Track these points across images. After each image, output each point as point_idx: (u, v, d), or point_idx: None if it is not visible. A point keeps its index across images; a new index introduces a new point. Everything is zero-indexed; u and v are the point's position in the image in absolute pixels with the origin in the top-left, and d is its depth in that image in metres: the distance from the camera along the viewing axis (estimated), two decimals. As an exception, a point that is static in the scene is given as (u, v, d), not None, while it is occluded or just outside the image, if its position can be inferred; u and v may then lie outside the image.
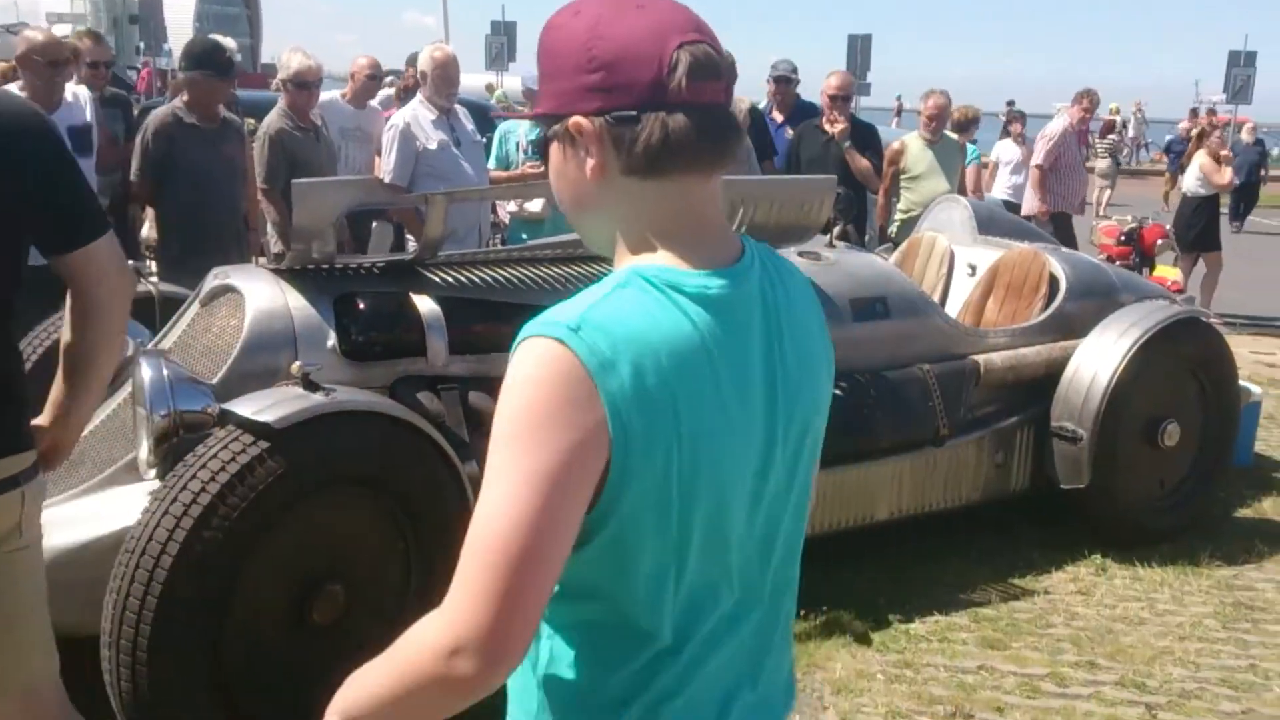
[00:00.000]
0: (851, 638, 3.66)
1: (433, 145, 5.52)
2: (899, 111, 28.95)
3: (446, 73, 5.69)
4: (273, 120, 5.69)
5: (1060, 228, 8.42)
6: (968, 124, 8.94)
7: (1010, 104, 12.64)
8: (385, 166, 5.62)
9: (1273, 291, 11.24)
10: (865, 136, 6.68)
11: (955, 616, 3.87)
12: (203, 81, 5.11)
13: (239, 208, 5.35)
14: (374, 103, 6.86)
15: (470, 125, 5.87)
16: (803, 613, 3.77)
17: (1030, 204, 8.83)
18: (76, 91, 5.26)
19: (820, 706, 3.28)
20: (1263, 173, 18.28)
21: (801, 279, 1.28)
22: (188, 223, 5.06)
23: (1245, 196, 17.50)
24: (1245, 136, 18.33)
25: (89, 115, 5.24)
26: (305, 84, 5.68)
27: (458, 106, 5.85)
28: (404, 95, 7.10)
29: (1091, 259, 5.40)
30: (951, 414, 4.16)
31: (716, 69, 1.14)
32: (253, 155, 5.69)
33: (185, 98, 5.19)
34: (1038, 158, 8.70)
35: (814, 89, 7.06)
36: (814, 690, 3.37)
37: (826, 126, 6.56)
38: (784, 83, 7.11)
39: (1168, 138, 24.20)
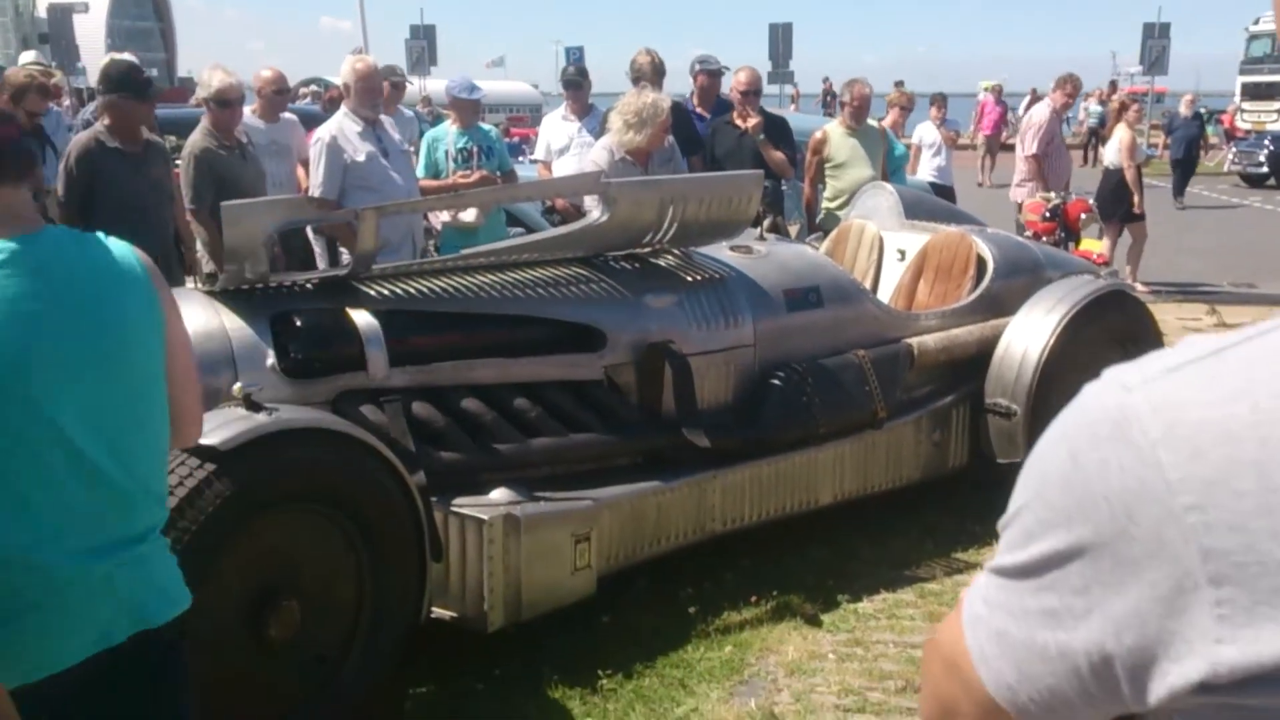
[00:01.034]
0: (802, 620, 3.75)
1: (360, 157, 5.51)
2: (795, 98, 29.42)
3: (369, 83, 5.70)
4: (197, 140, 5.64)
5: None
6: (903, 109, 9.10)
7: (899, 84, 12.77)
8: (313, 181, 5.60)
9: (1196, 259, 11.59)
10: (777, 128, 6.79)
11: (902, 593, 3.98)
12: (122, 104, 5.07)
13: (169, 229, 5.31)
14: (287, 115, 6.83)
15: (397, 135, 5.88)
16: (753, 598, 3.85)
17: (1022, 192, 8.95)
18: None
19: (775, 688, 3.36)
20: (1202, 145, 17.48)
21: (122, 251, 1.82)
22: None
23: (1184, 170, 16.96)
24: (1184, 110, 17.63)
25: None
26: (227, 102, 5.64)
27: (384, 117, 5.87)
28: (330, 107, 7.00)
29: (1016, 238, 5.55)
30: (888, 397, 4.26)
31: (9, 119, 1.80)
32: (179, 175, 5.65)
33: (107, 121, 5.14)
34: (1030, 147, 8.80)
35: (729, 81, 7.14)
36: (768, 673, 3.45)
37: (738, 121, 6.66)
38: (715, 76, 7.19)
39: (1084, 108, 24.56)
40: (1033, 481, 0.78)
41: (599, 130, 6.57)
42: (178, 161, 6.08)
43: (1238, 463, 0.65)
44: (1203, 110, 18.05)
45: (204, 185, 5.50)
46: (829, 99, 26.50)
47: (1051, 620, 0.74)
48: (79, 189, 5.03)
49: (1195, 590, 0.66)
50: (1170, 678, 0.68)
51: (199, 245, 5.70)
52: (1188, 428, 0.67)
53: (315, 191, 5.54)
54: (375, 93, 5.78)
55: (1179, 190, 16.99)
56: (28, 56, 8.71)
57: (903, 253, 5.26)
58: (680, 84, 7.30)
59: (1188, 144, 16.90)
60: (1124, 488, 0.69)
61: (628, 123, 5.41)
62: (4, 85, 6.03)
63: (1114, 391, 0.71)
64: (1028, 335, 4.53)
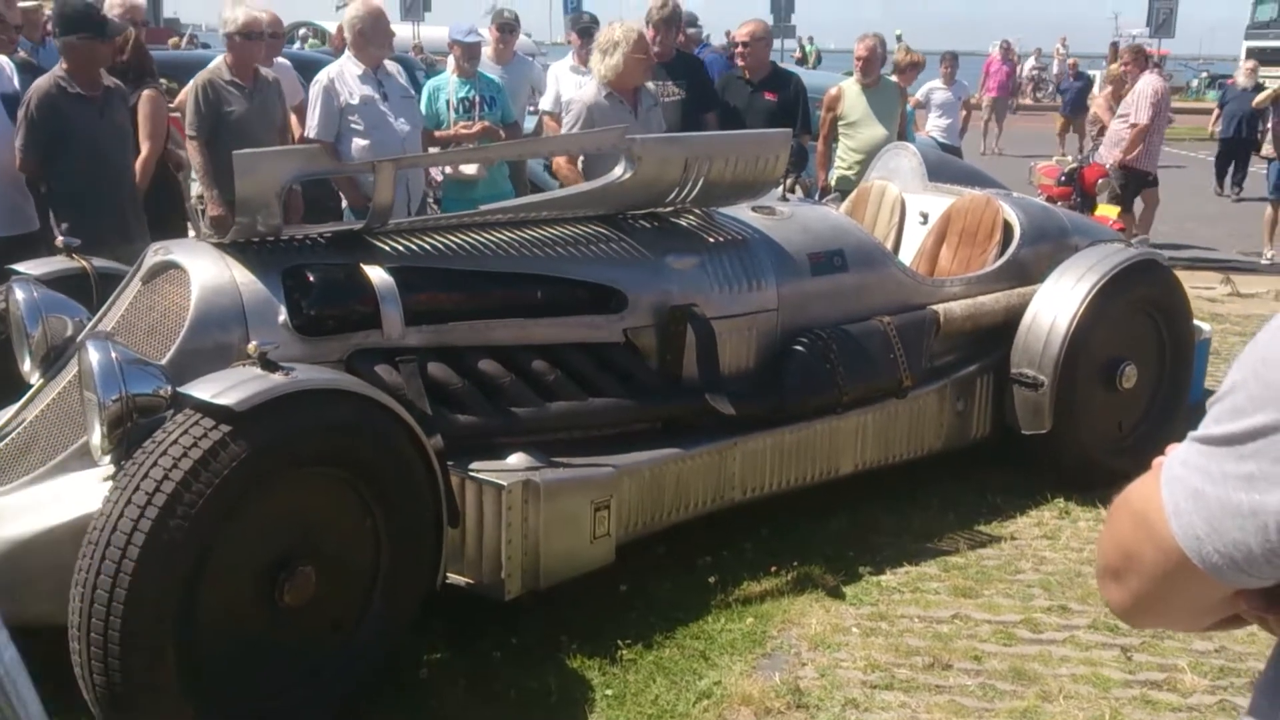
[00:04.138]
0: (824, 592, 3.67)
1: (355, 99, 5.51)
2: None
3: (376, 26, 5.63)
4: (205, 71, 5.64)
5: (1134, 184, 8.58)
6: (905, 69, 8.90)
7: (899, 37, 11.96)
8: (309, 123, 5.62)
9: (1207, 225, 11.44)
10: (785, 84, 6.66)
11: (925, 566, 3.90)
12: (81, 46, 4.81)
13: (130, 176, 5.10)
14: (280, 60, 6.70)
15: (402, 79, 5.82)
16: (773, 568, 3.77)
17: (1111, 156, 8.81)
18: (1, 61, 5.01)
19: (798, 662, 3.29)
20: (1262, 128, 11.54)
21: None
22: (83, 198, 4.83)
23: (1238, 154, 13.66)
24: (1242, 79, 13.70)
25: (16, 84, 5.01)
26: (249, 35, 5.56)
27: (388, 62, 5.78)
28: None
29: (1043, 203, 5.44)
30: (913, 365, 4.16)
31: None
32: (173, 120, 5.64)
33: (65, 65, 4.91)
34: (1143, 115, 8.66)
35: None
36: (790, 646, 3.37)
37: (746, 74, 6.58)
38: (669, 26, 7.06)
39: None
40: (1250, 364, 0.89)
41: None
42: (171, 107, 5.95)
43: None
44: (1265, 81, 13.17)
45: (198, 114, 5.46)
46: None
47: (1248, 484, 0.85)
48: (41, 136, 4.79)
49: None
50: None
51: (194, 174, 5.67)
52: None
53: (310, 133, 5.56)
54: (380, 35, 5.70)
55: (1227, 178, 13.91)
56: None
57: (925, 216, 5.13)
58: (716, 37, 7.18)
59: (1239, 123, 13.19)
60: None
61: (602, 50, 5.43)
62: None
63: None
64: (1057, 304, 4.41)
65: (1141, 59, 9.49)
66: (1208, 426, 0.91)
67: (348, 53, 5.71)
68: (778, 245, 4.13)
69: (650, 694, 3.11)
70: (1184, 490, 0.90)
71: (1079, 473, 4.48)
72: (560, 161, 5.65)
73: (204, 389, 2.72)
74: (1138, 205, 9.74)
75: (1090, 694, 3.14)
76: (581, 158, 5.53)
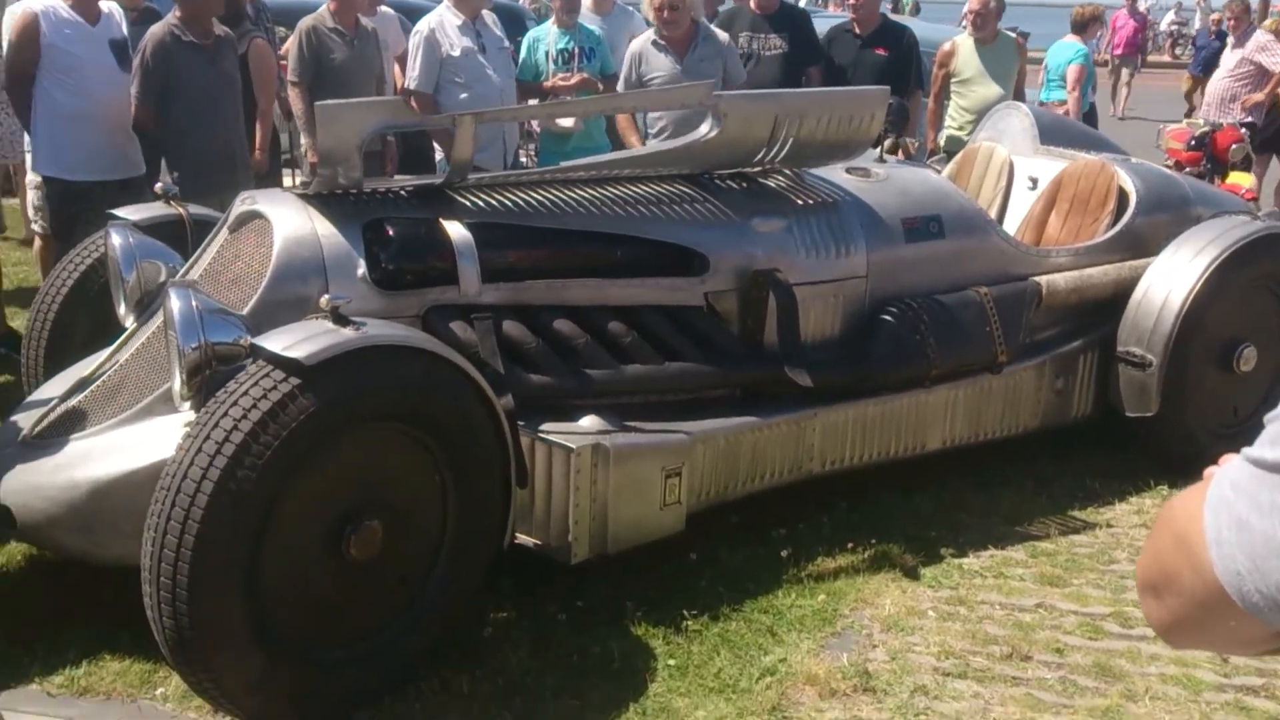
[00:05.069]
0: (901, 572, 3.54)
1: (456, 52, 5.53)
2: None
3: None
4: (310, 17, 5.75)
5: (1256, 142, 8.23)
6: (1086, 23, 8.44)
7: None
8: (409, 74, 5.66)
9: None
10: (897, 38, 6.38)
11: (1011, 550, 3.73)
12: None
13: (239, 123, 5.24)
14: (384, 9, 6.76)
15: (499, 31, 5.82)
16: (850, 545, 3.66)
17: (1234, 111, 8.47)
18: (111, 7, 5.15)
19: (869, 644, 3.19)
20: None
21: None
22: (194, 145, 4.97)
23: None
24: None
25: (125, 30, 5.14)
26: None
27: (486, 13, 5.76)
28: None
29: (1163, 170, 5.11)
30: (1010, 339, 3.96)
31: None
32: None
33: (178, 13, 5.01)
34: None
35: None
36: (862, 626, 3.27)
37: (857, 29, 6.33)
38: None
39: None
40: None
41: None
42: (280, 55, 6.05)
43: None
44: None
45: (301, 60, 5.59)
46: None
47: None
48: (155, 84, 4.94)
49: None
50: None
51: (296, 120, 5.81)
52: None
53: (410, 84, 5.60)
54: None
55: None
56: None
57: (1035, 181, 4.88)
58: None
59: None
60: None
61: None
62: None
63: None
64: (1171, 279, 4.15)
65: (1247, 14, 8.94)
66: (1262, 448, 0.81)
67: (446, 2, 5.71)
68: (870, 209, 3.96)
69: (713, 667, 3.05)
70: (1229, 517, 0.82)
71: (1186, 459, 4.18)
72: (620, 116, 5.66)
73: (275, 341, 2.74)
74: (1273, 171, 9.15)
75: (1179, 696, 2.96)
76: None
